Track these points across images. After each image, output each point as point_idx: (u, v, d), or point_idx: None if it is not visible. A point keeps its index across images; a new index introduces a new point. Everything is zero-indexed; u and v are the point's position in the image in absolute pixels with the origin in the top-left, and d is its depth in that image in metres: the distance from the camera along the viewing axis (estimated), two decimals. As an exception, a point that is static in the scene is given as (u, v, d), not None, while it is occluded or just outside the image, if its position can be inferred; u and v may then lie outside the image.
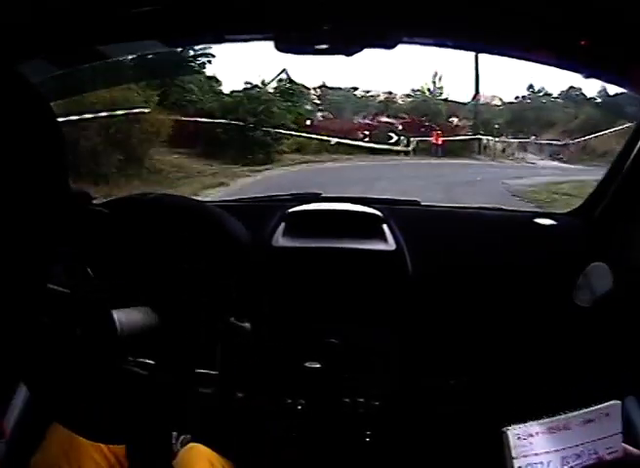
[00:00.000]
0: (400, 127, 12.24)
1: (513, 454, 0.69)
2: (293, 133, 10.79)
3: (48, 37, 0.98)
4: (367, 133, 12.11)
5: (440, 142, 11.74)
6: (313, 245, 1.40)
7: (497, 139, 12.28)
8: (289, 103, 10.94)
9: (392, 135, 11.93)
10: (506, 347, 1.44)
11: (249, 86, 10.62)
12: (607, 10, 0.86)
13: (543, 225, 1.52)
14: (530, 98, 12.63)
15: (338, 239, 1.40)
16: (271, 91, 10.95)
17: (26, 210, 0.61)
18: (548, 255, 1.44)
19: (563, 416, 0.71)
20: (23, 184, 0.60)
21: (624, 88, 1.16)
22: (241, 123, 9.82)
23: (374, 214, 1.49)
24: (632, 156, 1.31)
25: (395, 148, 11.84)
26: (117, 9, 0.93)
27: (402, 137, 11.88)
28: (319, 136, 11.35)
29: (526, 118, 12.58)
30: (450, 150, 11.81)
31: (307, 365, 1.32)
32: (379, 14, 0.98)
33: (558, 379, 1.38)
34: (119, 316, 0.78)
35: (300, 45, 1.06)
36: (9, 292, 0.62)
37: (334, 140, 11.39)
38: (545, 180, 8.67)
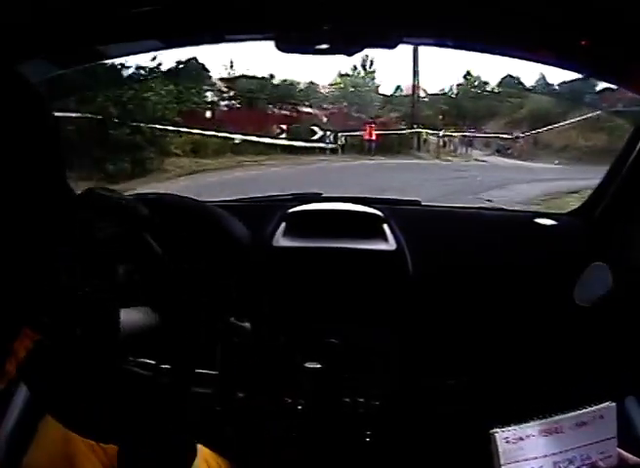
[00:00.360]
0: (325, 119, 10.04)
1: (502, 461, 0.64)
2: (182, 129, 7.82)
3: (48, 37, 0.98)
4: (284, 127, 9.65)
5: (374, 138, 9.77)
6: (314, 245, 1.40)
7: (441, 134, 10.37)
8: (173, 87, 7.77)
9: (316, 129, 9.74)
10: (506, 347, 1.44)
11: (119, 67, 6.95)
12: (607, 10, 0.86)
13: (543, 225, 1.52)
14: (466, 87, 10.90)
15: (338, 239, 1.40)
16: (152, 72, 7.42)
17: (26, 208, 0.61)
18: (548, 255, 1.44)
19: (555, 418, 0.67)
20: (23, 183, 0.60)
21: (625, 88, 1.16)
22: (98, 116, 6.70)
23: (374, 214, 1.49)
24: (632, 157, 1.31)
25: (320, 145, 9.57)
26: (117, 9, 0.93)
27: (328, 132, 9.68)
28: (220, 134, 8.56)
29: (463, 108, 10.88)
30: (385, 146, 9.83)
31: (307, 365, 1.32)
32: (379, 14, 0.98)
33: (558, 379, 1.38)
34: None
35: (301, 45, 1.07)
36: (8, 291, 0.62)
37: (239, 138, 8.66)
38: (536, 192, 6.73)
